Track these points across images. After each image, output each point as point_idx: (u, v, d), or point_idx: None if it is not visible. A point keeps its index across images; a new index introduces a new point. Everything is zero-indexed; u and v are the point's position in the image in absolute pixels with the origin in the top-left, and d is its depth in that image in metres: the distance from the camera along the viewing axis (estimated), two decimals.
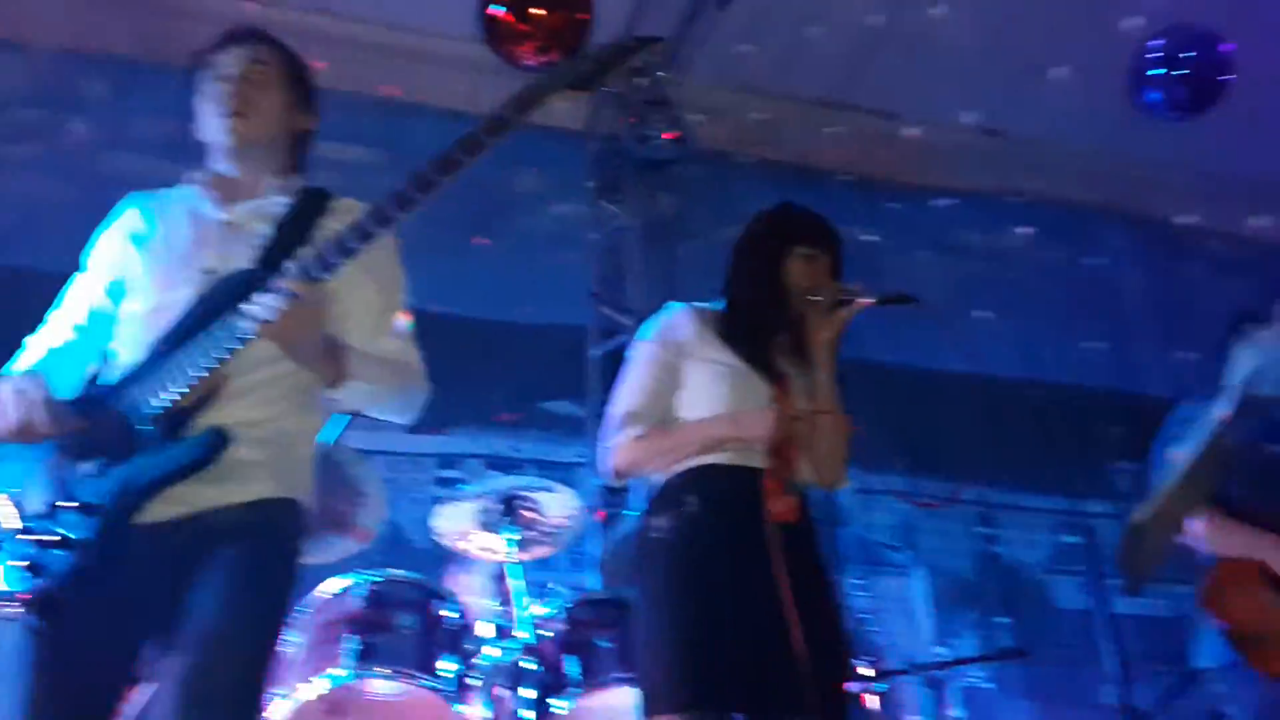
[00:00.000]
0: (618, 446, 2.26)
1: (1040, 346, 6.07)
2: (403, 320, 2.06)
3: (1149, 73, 3.62)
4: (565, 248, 5.46)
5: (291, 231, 1.95)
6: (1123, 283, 6.37)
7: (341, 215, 1.94)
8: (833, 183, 5.96)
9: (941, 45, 5.55)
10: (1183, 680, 3.85)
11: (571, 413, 5.09)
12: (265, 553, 1.80)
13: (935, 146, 6.16)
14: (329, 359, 1.83)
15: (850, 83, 5.86)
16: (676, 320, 2.32)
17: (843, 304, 2.21)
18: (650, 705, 2.07)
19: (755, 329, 2.28)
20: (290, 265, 1.75)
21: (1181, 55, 3.56)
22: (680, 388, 2.26)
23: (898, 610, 5.30)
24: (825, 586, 2.20)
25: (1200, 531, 2.79)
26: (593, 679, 2.95)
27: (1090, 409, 5.87)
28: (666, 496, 2.23)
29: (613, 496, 4.77)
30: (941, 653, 4.97)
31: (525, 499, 3.15)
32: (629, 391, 2.32)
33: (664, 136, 4.49)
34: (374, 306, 2.00)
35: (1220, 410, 2.48)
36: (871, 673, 3.41)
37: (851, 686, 3.46)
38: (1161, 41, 3.63)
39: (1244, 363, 2.93)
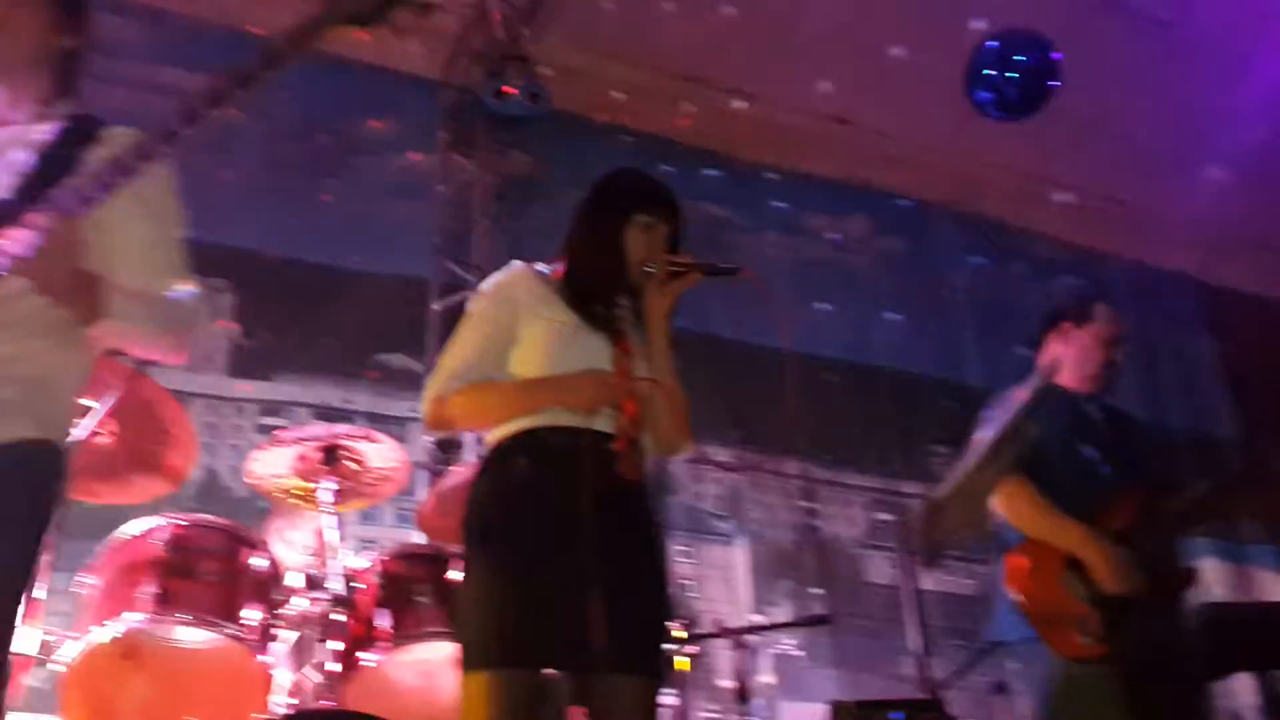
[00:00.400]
0: (434, 398, 2.23)
1: (872, 332, 6.30)
2: (176, 254, 1.96)
3: (983, 72, 3.77)
4: (412, 198, 5.34)
5: (55, 161, 1.82)
6: (953, 277, 6.67)
7: (112, 145, 1.82)
8: (687, 155, 6.01)
9: (799, 31, 5.67)
10: (979, 654, 4.02)
11: (407, 366, 5.00)
12: (14, 498, 1.71)
13: (788, 129, 6.30)
14: (83, 295, 1.74)
15: (709, 59, 5.92)
16: (516, 278, 2.29)
17: (676, 275, 2.24)
18: (466, 660, 2.06)
19: (594, 291, 2.27)
20: (49, 197, 1.65)
21: (1015, 58, 3.71)
22: (516, 345, 2.23)
23: (719, 577, 5.45)
24: (652, 549, 2.21)
25: (1004, 505, 2.94)
26: (406, 633, 2.91)
27: (915, 395, 6.14)
28: (497, 455, 2.21)
29: (444, 452, 4.73)
30: (756, 619, 5.15)
31: (346, 448, 3.07)
32: (457, 346, 2.28)
33: (504, 91, 4.38)
34: (143, 241, 1.89)
35: (1020, 393, 2.60)
36: (684, 635, 3.48)
37: (667, 648, 3.57)
38: (996, 44, 3.78)
39: (1049, 354, 3.12)
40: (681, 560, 5.34)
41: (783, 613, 5.37)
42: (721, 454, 5.66)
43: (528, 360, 2.21)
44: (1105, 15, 5.05)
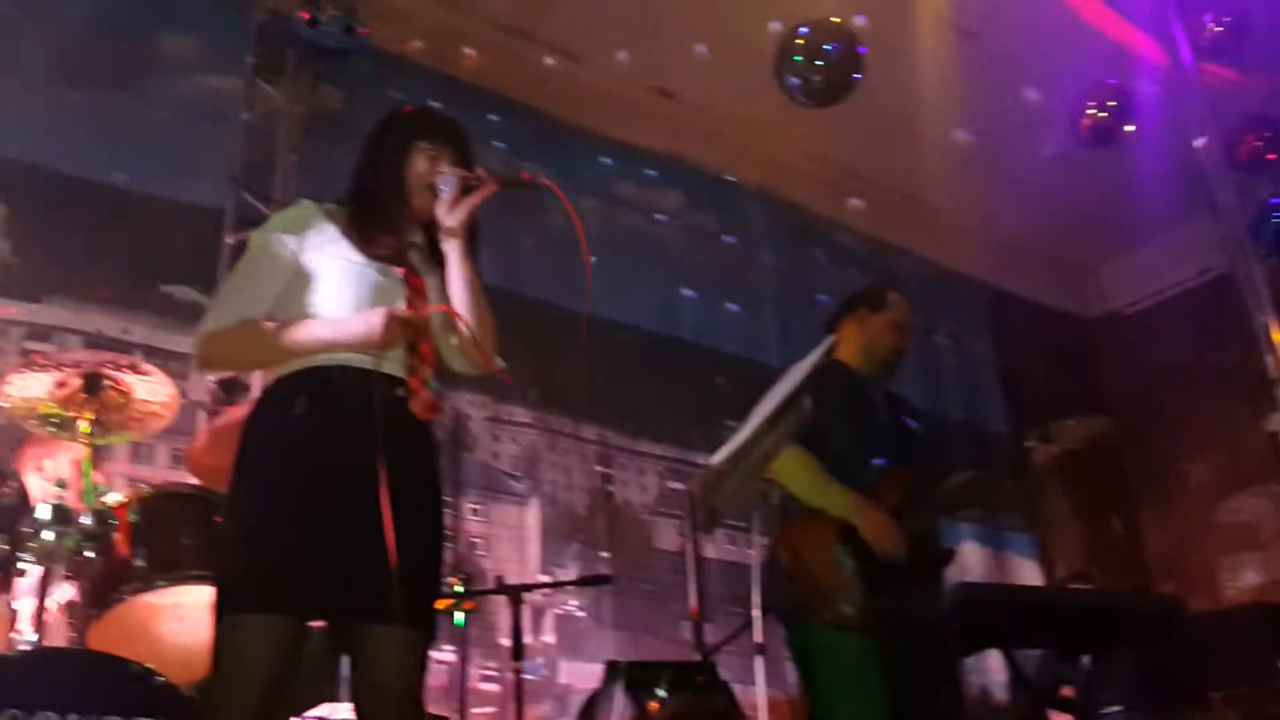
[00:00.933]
0: (205, 336, 2.13)
1: (678, 305, 6.40)
2: None
3: (793, 59, 3.89)
4: (212, 122, 5.05)
5: None
6: (758, 258, 6.85)
7: None
8: (506, 109, 5.93)
9: None
10: (750, 620, 4.15)
11: (195, 300, 4.74)
12: None
13: (611, 97, 6.31)
14: None
15: (537, 15, 5.85)
16: (303, 214, 2.20)
17: (469, 190, 2.18)
18: (221, 603, 1.98)
19: (380, 225, 2.19)
20: None
21: (823, 47, 3.85)
22: (300, 284, 2.14)
23: (509, 536, 5.44)
24: (431, 500, 2.17)
25: (781, 472, 3.03)
26: (163, 574, 2.79)
27: (715, 369, 6.28)
28: (275, 391, 2.13)
29: (227, 393, 4.52)
30: (543, 579, 5.18)
31: (110, 378, 2.89)
32: (234, 282, 2.19)
33: (319, 20, 4.19)
34: None
35: (802, 366, 2.69)
36: (461, 589, 3.45)
37: (443, 601, 3.53)
38: (807, 30, 3.91)
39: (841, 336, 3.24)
40: (473, 518, 5.30)
41: (570, 575, 5.42)
42: (521, 414, 5.65)
43: (320, 303, 2.13)
44: (912, 20, 5.27)
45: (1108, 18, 5.82)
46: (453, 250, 2.19)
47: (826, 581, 2.90)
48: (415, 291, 2.16)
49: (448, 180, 2.18)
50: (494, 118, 5.92)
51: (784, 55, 3.94)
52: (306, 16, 4.47)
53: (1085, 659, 4.92)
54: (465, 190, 2.18)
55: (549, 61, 6.02)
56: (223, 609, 1.97)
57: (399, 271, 2.17)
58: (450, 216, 2.18)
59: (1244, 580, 7.27)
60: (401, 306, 2.11)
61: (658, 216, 6.56)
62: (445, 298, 2.20)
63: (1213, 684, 5.28)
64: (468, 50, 5.73)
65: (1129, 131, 5.42)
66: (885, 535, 2.92)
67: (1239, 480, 7.34)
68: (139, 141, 4.83)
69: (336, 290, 2.12)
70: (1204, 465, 7.65)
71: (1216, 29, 5.41)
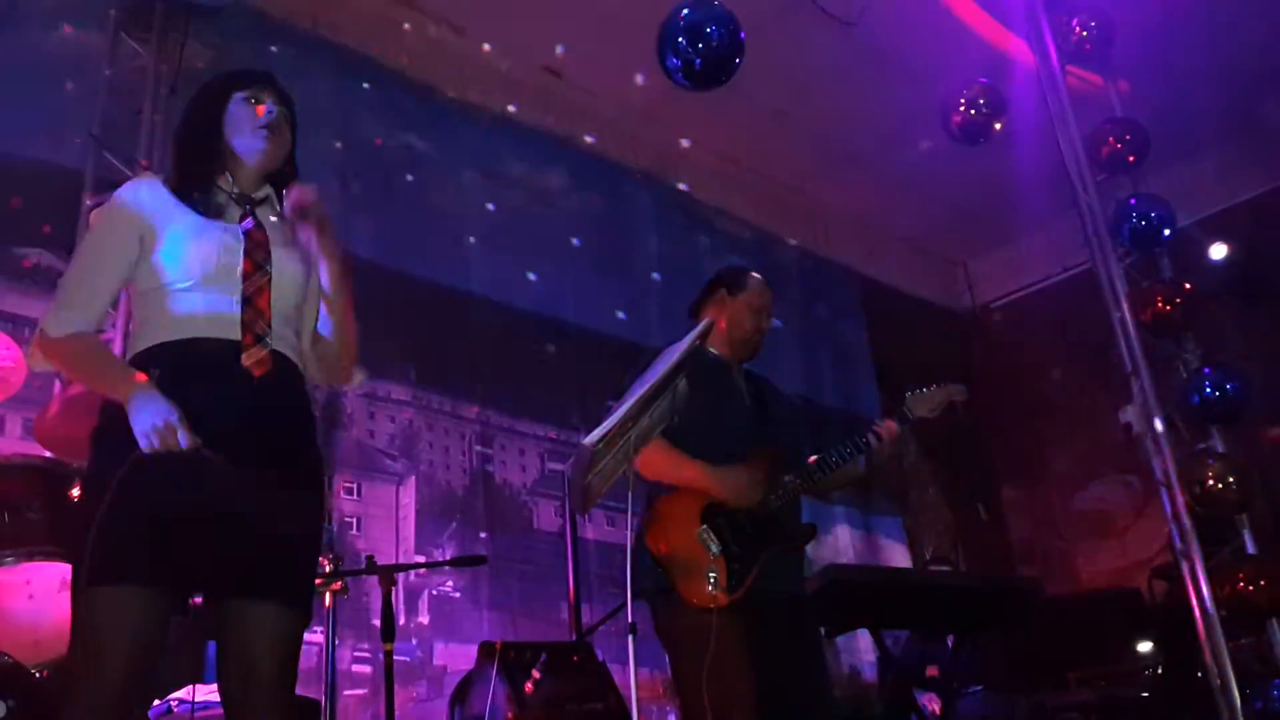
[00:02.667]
0: (46, 337, 2.06)
1: (561, 286, 6.35)
2: None
3: (676, 40, 3.90)
4: (74, 80, 4.78)
5: None
6: (641, 241, 6.86)
7: None
8: (387, 78, 5.79)
9: None
10: (626, 600, 4.16)
11: (52, 265, 4.49)
12: None
13: (499, 72, 6.21)
14: None
15: None
16: (141, 188, 2.15)
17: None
18: (81, 577, 1.88)
19: (205, 179, 2.16)
20: None
21: (705, 30, 3.87)
22: (146, 257, 2.08)
23: (385, 517, 5.33)
24: (300, 468, 2.11)
25: (641, 464, 3.05)
26: (11, 549, 2.66)
27: (597, 351, 6.27)
28: (135, 366, 2.04)
29: None
30: (419, 560, 5.09)
31: None
32: (76, 268, 2.12)
33: None
34: None
35: (674, 349, 2.68)
36: (331, 569, 3.36)
37: (313, 580, 3.43)
38: (688, 11, 3.92)
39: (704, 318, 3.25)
40: (347, 497, 5.18)
41: (447, 555, 5.34)
42: (398, 392, 5.53)
43: (165, 269, 2.07)
44: (793, 12, 5.34)
45: (981, 18, 6.00)
46: (310, 242, 2.17)
47: (691, 562, 2.92)
48: (256, 244, 2.12)
49: (270, 110, 2.16)
50: (373, 86, 5.76)
51: (665, 37, 3.94)
52: None
53: (949, 640, 5.11)
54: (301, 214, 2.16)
55: (432, 32, 5.89)
56: (83, 582, 1.87)
57: (241, 226, 2.13)
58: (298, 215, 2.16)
59: (1100, 565, 7.63)
60: (240, 256, 2.09)
61: (542, 196, 6.49)
62: (299, 251, 2.17)
63: (1069, 664, 5.53)
64: (350, 15, 5.55)
65: (998, 130, 5.59)
66: (741, 489, 2.97)
67: (1097, 470, 7.69)
68: None
69: (179, 255, 2.06)
70: (1064, 454, 8.00)
71: (1082, 34, 5.63)
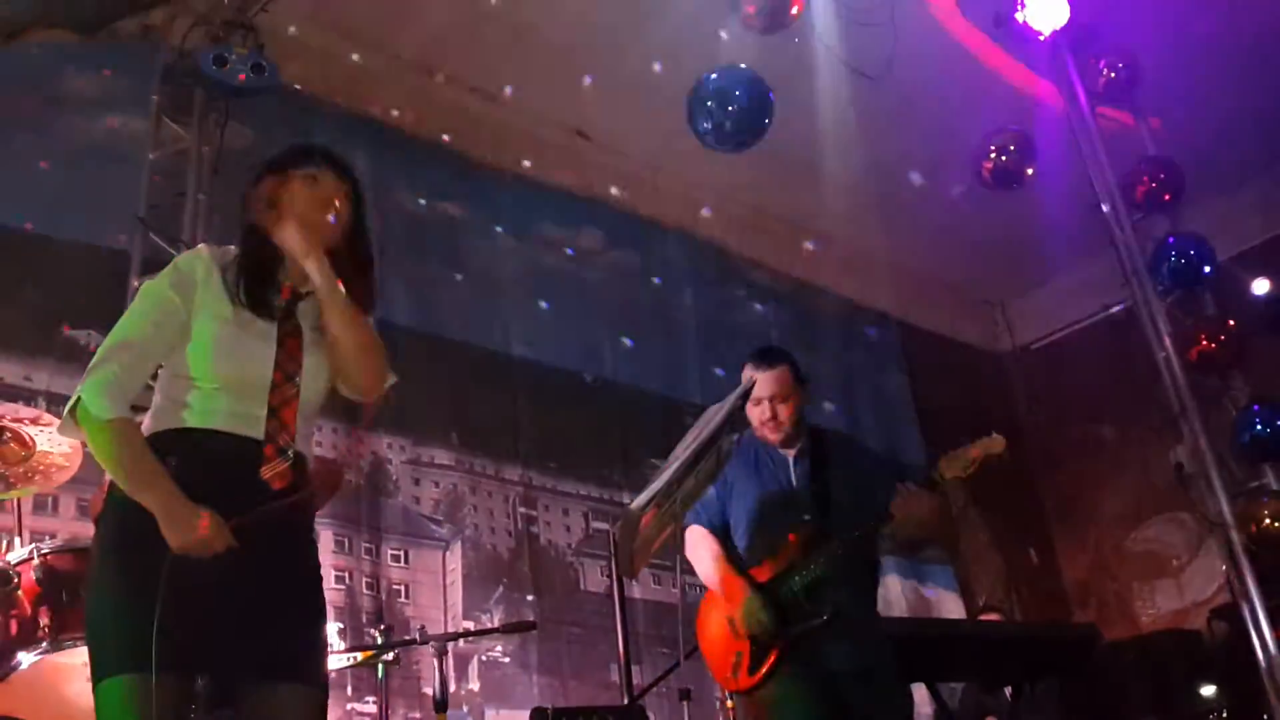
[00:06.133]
0: (85, 408, 1.97)
1: (598, 344, 6.38)
2: None
3: (706, 103, 3.96)
4: (119, 164, 4.91)
5: None
6: (678, 296, 6.88)
7: None
8: (421, 149, 5.89)
9: (545, 39, 5.69)
10: (677, 662, 4.18)
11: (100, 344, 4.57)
12: None
13: (530, 136, 6.31)
14: None
15: (453, 54, 5.84)
16: (196, 262, 2.10)
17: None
18: (97, 668, 1.89)
19: (258, 278, 2.10)
20: None
21: (734, 93, 3.93)
22: (183, 342, 2.04)
23: (432, 583, 5.33)
24: (304, 556, 2.12)
25: (687, 551, 3.12)
26: (69, 634, 2.68)
27: (637, 408, 6.27)
28: (150, 448, 2.01)
29: None
30: (467, 626, 5.08)
31: (11, 430, 2.78)
32: (122, 337, 2.03)
33: (226, 59, 4.09)
34: None
35: (718, 409, 2.70)
36: (381, 640, 3.37)
37: (362, 653, 3.44)
38: (715, 75, 3.99)
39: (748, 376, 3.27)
40: (394, 565, 5.18)
41: (495, 620, 5.32)
42: (442, 456, 5.56)
43: (191, 362, 2.05)
44: (821, 69, 5.40)
45: (1007, 62, 6.02)
46: (317, 273, 2.08)
47: (722, 648, 3.03)
48: (289, 355, 2.08)
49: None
50: (409, 157, 5.87)
51: (695, 101, 4.00)
52: (213, 56, 4.37)
53: (1007, 690, 5.01)
54: None
55: (464, 100, 6.00)
56: (100, 672, 1.88)
57: (278, 328, 2.09)
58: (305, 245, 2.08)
59: (1158, 606, 7.47)
60: (271, 366, 2.05)
61: (576, 255, 6.54)
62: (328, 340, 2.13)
63: (1131, 710, 5.41)
64: (381, 89, 5.67)
65: (1030, 174, 5.60)
66: (745, 612, 3.01)
67: (1148, 510, 7.55)
68: (42, 183, 4.67)
69: (210, 354, 2.04)
70: (1114, 495, 7.86)
71: (1110, 74, 5.63)
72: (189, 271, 2.09)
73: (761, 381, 3.23)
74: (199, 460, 1.99)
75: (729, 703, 3.72)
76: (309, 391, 2.10)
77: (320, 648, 2.13)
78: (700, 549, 3.14)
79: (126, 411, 1.98)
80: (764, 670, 2.92)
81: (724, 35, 4.39)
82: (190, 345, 2.05)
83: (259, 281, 2.10)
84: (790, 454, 3.29)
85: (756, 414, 3.25)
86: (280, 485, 2.02)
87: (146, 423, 2.07)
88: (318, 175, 2.13)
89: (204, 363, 2.04)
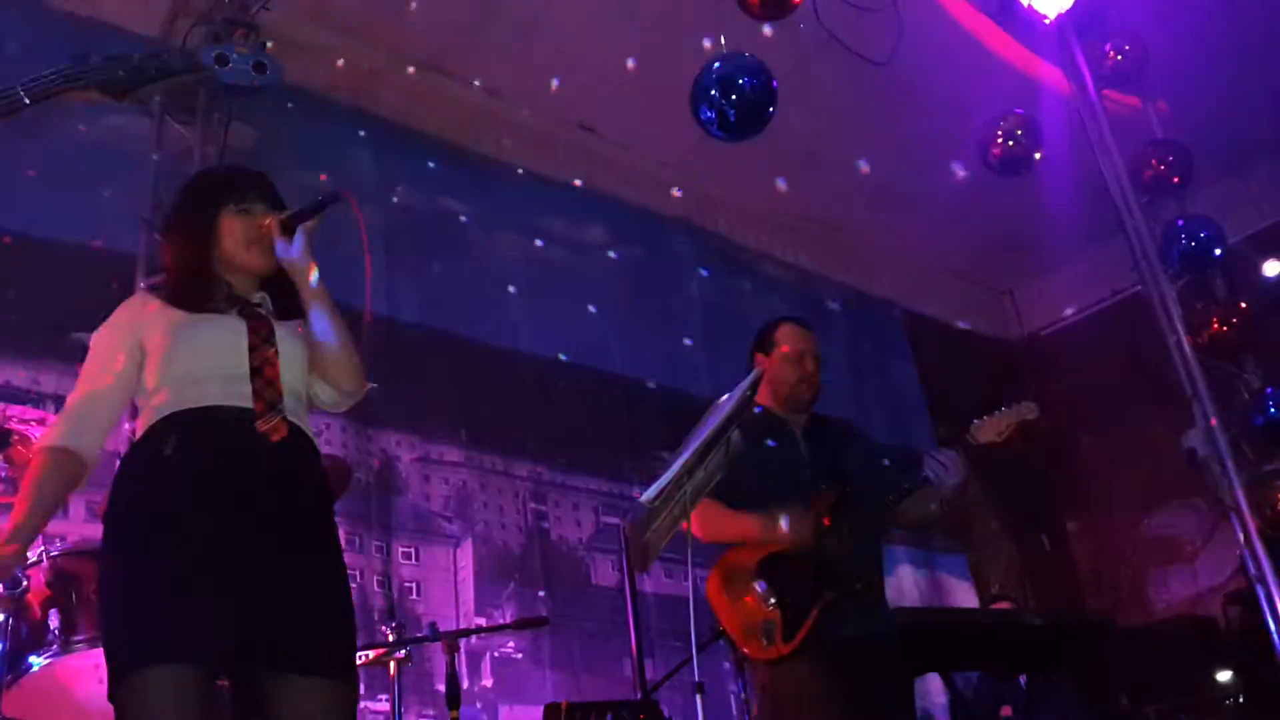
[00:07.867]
0: (51, 444, 2.13)
1: (605, 338, 6.37)
2: None
3: (709, 92, 3.93)
4: (122, 164, 4.90)
5: None
6: (683, 289, 6.87)
7: None
8: (423, 144, 5.88)
9: (547, 34, 5.67)
10: (690, 656, 4.15)
11: None
12: None
13: (534, 130, 6.29)
14: None
15: (454, 49, 5.83)
16: (134, 301, 2.23)
17: (288, 229, 2.20)
18: (115, 666, 1.88)
19: (200, 296, 2.19)
20: None
21: (738, 82, 3.90)
22: (147, 359, 2.12)
23: (443, 580, 5.33)
24: (322, 534, 2.11)
25: (695, 526, 3.07)
26: (79, 636, 2.67)
27: (645, 401, 6.26)
28: (146, 437, 2.06)
29: None
30: (478, 623, 5.08)
31: (18, 432, 2.77)
32: (81, 384, 2.17)
33: (227, 57, 4.09)
34: None
35: (727, 400, 2.68)
36: (393, 638, 3.36)
37: (374, 651, 3.43)
38: (719, 63, 3.96)
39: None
40: (405, 563, 5.19)
41: (507, 615, 5.32)
42: (451, 454, 5.55)
43: (165, 368, 2.10)
44: (825, 56, 5.36)
45: (1011, 47, 5.98)
46: (303, 284, 2.19)
47: (750, 619, 2.94)
48: (255, 328, 2.15)
49: (266, 228, 2.20)
50: (413, 154, 5.85)
51: (699, 90, 3.97)
52: (214, 55, 4.35)
53: (1022, 679, 5.00)
54: (287, 230, 2.19)
55: (466, 95, 5.98)
56: (118, 670, 1.86)
57: (240, 317, 2.16)
58: (287, 254, 2.19)
59: (1172, 592, 7.43)
60: (242, 336, 2.12)
61: (582, 249, 6.53)
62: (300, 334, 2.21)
63: (1148, 696, 5.38)
64: (384, 85, 5.66)
65: (1038, 159, 5.55)
66: (792, 532, 2.96)
67: (1161, 495, 7.51)
68: (45, 184, 4.66)
69: (176, 349, 2.09)
70: (1127, 481, 7.82)
71: (1116, 57, 5.59)
72: (129, 310, 2.20)
73: (803, 336, 3.28)
74: (198, 434, 2.02)
75: (744, 695, 3.70)
76: (289, 373, 2.14)
77: (348, 641, 2.10)
78: (712, 512, 3.04)
79: (74, 448, 2.08)
80: (801, 636, 2.89)
81: (726, 25, 4.36)
82: (159, 358, 2.10)
83: (203, 284, 2.19)
84: (798, 428, 3.28)
85: (795, 371, 3.25)
86: (277, 438, 2.05)
87: (139, 427, 2.10)
88: (249, 209, 2.23)
89: (172, 359, 2.08)
